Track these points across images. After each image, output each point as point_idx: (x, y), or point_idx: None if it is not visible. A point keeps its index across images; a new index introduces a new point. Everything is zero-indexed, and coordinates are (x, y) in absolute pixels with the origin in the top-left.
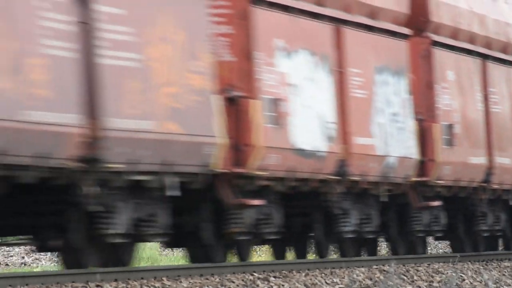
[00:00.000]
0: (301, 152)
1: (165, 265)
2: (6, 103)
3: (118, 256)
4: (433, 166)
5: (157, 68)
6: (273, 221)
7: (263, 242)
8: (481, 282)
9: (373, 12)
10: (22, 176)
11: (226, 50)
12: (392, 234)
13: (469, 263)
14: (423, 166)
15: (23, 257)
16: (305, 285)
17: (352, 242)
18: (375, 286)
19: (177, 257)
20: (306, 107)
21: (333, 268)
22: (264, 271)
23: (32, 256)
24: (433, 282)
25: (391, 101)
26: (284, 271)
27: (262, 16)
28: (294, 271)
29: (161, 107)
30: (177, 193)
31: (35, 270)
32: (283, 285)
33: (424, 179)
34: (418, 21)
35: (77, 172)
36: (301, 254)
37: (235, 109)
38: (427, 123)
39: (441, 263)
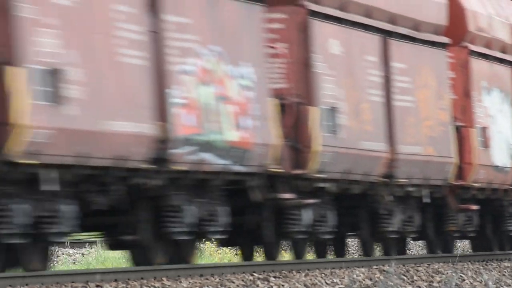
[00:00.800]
0: (496, 168)
1: (165, 265)
2: (353, 136)
3: (388, 248)
4: None
5: (422, 107)
6: (473, 222)
7: (462, 238)
8: (481, 282)
9: None
10: (353, 188)
11: (450, 90)
12: None
13: (469, 263)
14: None
15: None
16: (305, 285)
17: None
18: (375, 286)
19: None
20: (498, 133)
21: (333, 268)
22: (264, 271)
23: None
24: (433, 282)
25: None
26: (284, 271)
27: (475, 64)
28: (294, 271)
29: (424, 136)
30: (428, 200)
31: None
32: (283, 285)
33: None
34: None
35: (381, 185)
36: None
37: (458, 136)
38: None
39: (441, 263)
